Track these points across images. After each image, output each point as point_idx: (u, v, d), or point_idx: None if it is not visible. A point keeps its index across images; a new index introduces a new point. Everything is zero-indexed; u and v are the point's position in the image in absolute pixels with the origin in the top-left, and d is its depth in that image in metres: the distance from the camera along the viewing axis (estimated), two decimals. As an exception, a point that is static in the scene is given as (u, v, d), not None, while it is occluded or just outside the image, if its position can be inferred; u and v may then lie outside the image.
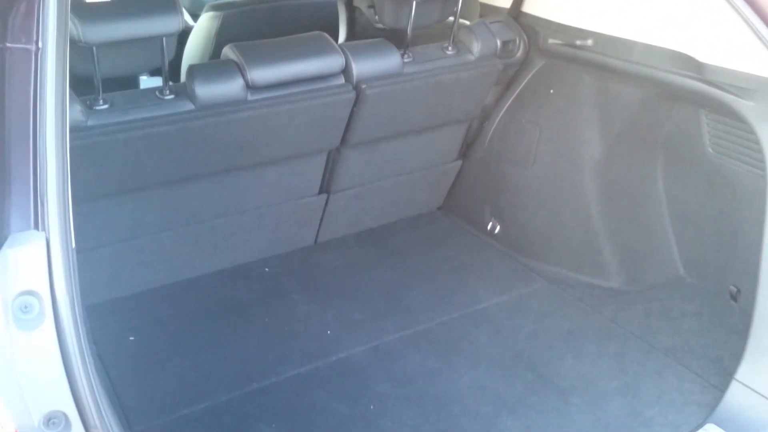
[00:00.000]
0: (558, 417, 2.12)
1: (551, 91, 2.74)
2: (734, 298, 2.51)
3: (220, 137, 2.27)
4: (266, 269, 2.81)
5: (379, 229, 3.10)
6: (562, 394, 2.21)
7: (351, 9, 3.85)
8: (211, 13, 3.12)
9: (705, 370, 2.30)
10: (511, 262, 2.89)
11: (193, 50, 3.18)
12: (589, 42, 2.51)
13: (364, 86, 2.42)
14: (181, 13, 2.07)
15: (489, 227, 3.03)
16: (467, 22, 2.99)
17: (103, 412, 1.25)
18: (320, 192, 2.79)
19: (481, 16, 2.95)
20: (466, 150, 3.09)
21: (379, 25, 2.78)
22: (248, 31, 3.00)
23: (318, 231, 2.94)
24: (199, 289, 2.67)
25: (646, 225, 2.73)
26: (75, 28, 1.91)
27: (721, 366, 2.30)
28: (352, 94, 2.42)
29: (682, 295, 2.66)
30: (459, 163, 3.09)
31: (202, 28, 3.13)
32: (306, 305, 2.62)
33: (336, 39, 3.41)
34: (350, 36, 3.86)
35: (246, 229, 2.70)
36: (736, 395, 2.07)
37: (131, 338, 2.42)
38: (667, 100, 2.49)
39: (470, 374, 2.29)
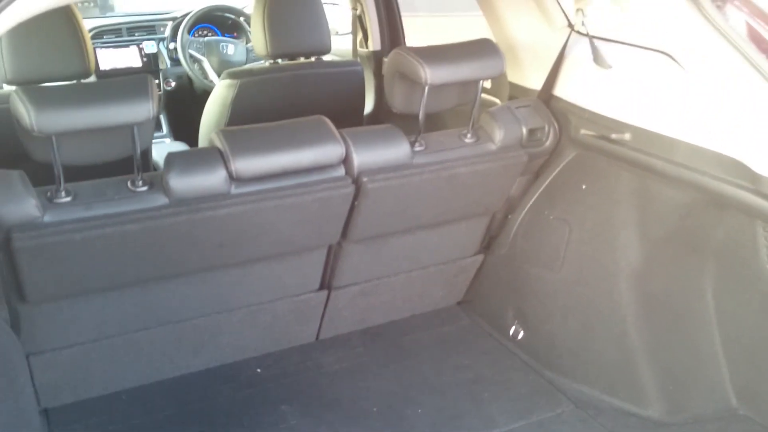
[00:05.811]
0: None
1: (583, 186, 2.41)
2: (796, 442, 2.12)
3: (197, 234, 2.02)
4: (258, 370, 2.54)
5: (389, 326, 2.79)
6: None
7: (379, 77, 3.62)
8: (227, 81, 2.91)
9: None
10: (534, 377, 2.53)
11: (209, 118, 2.98)
12: (627, 136, 2.19)
13: (365, 179, 2.14)
14: (153, 99, 1.83)
15: (512, 332, 2.69)
16: (498, 101, 2.71)
17: None
18: (320, 288, 2.51)
19: (511, 96, 2.66)
20: (489, 243, 2.77)
21: None
22: (265, 101, 2.78)
23: (319, 328, 2.65)
24: (180, 391, 2.41)
25: (692, 345, 2.35)
26: (27, 115, 1.69)
27: None
28: (351, 189, 2.14)
29: (733, 431, 2.25)
30: (480, 257, 2.77)
31: (218, 95, 2.93)
32: (295, 419, 2.32)
33: (362, 110, 3.16)
34: (378, 107, 3.62)
35: (236, 328, 2.44)
36: None
37: (93, 452, 2.17)
38: (716, 208, 2.13)
39: None
